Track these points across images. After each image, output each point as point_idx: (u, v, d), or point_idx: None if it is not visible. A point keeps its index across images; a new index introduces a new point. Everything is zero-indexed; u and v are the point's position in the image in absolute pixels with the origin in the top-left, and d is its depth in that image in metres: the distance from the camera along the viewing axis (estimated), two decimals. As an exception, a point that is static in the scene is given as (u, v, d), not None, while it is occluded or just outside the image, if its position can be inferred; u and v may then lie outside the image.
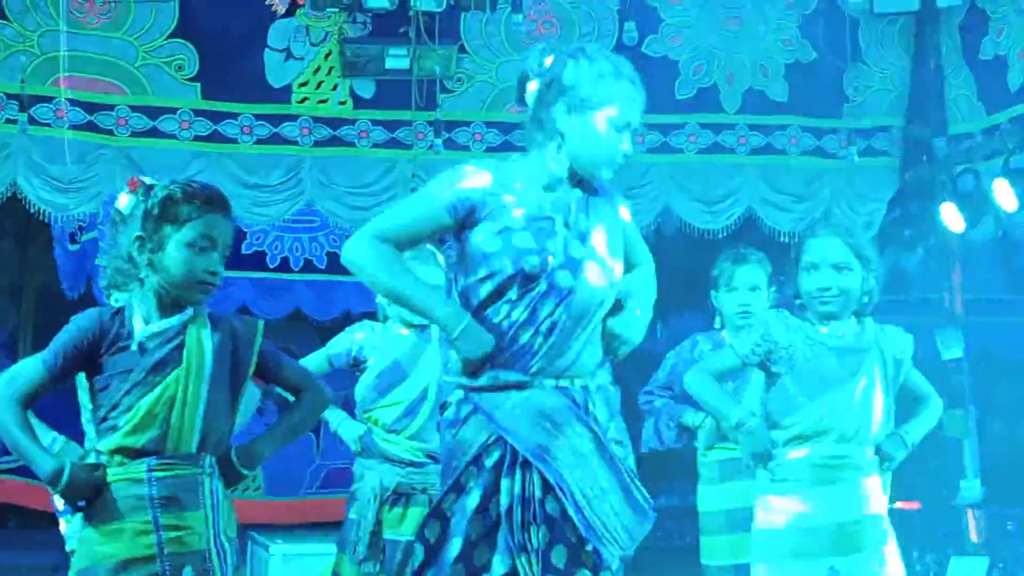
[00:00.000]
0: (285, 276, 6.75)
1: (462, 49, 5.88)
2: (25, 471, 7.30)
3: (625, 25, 5.93)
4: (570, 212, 2.23)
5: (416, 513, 3.38)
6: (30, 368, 2.05)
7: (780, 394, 2.80)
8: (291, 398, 2.28)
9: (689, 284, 4.25)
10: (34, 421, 2.16)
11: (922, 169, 6.45)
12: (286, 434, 2.23)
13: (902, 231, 6.25)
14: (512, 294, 2.12)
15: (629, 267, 2.29)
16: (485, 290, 2.12)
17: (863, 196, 6.28)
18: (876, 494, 2.80)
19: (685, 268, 4.75)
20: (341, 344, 3.65)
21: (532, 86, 2.23)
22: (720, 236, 6.03)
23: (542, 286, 2.12)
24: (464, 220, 2.13)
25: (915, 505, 5.74)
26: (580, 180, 2.22)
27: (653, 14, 6.06)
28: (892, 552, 2.78)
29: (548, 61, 2.22)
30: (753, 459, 2.80)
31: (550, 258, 2.15)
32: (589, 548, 2.14)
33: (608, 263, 2.22)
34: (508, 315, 2.13)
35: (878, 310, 2.87)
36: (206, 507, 2.03)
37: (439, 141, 5.81)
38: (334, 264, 6.65)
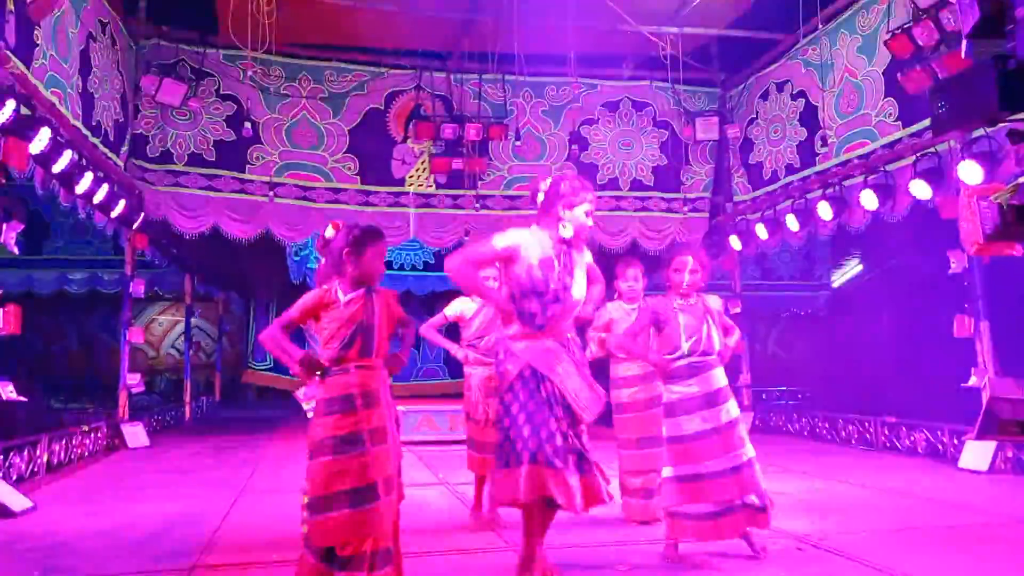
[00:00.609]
0: (400, 272, 11.61)
1: (490, 159, 10.40)
2: (276, 369, 12.56)
3: (571, 147, 10.61)
4: (562, 257, 3.65)
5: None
6: (287, 314, 3.33)
7: (666, 336, 4.18)
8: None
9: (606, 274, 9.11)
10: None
11: (720, 219, 11.05)
12: (406, 347, 3.29)
13: (711, 250, 10.47)
14: (533, 299, 3.55)
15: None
16: (519, 293, 3.57)
17: (690, 232, 10.85)
18: (721, 376, 4.17)
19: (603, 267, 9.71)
20: (451, 308, 5.34)
21: (540, 196, 3.73)
22: (619, 251, 10.38)
23: (548, 296, 3.56)
24: (508, 257, 3.60)
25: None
26: (565, 240, 3.66)
27: (586, 141, 10.73)
28: (733, 406, 4.15)
29: (547, 183, 3.75)
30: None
31: (551, 283, 3.57)
32: (580, 416, 3.57)
33: (580, 285, 3.66)
34: (529, 307, 3.57)
35: (706, 288, 4.38)
36: (382, 393, 3.20)
37: (479, 205, 10.39)
38: (426, 267, 11.48)
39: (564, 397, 3.55)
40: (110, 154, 8.72)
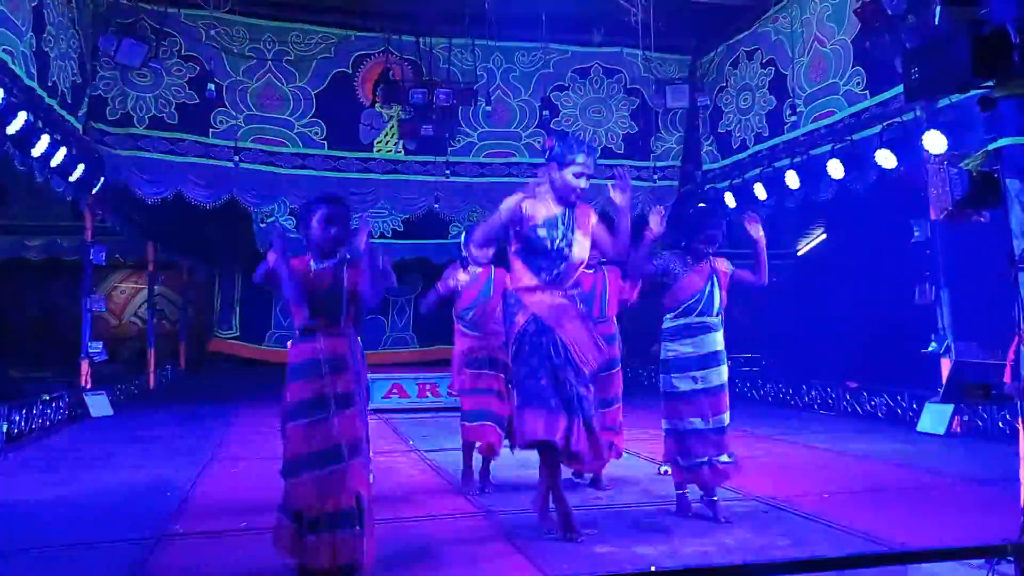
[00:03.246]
0: (369, 240, 11.45)
1: (460, 125, 10.24)
2: (243, 337, 12.41)
3: (542, 113, 10.52)
4: (565, 216, 3.72)
5: (483, 360, 4.91)
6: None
7: (673, 292, 4.26)
8: None
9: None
10: None
11: (689, 187, 11.11)
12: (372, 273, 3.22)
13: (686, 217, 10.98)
14: (540, 257, 3.71)
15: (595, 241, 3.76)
16: (527, 251, 3.72)
17: (660, 201, 10.64)
18: (720, 340, 4.23)
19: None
20: (446, 277, 5.17)
21: (546, 155, 3.77)
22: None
23: (552, 254, 3.69)
24: (515, 219, 3.70)
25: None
26: (567, 200, 3.72)
27: (556, 108, 10.64)
28: (724, 371, 4.22)
29: (549, 142, 3.78)
30: None
31: (557, 240, 3.68)
32: (584, 366, 3.72)
33: (583, 243, 3.73)
34: (537, 263, 3.72)
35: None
36: (350, 359, 3.23)
37: (448, 172, 10.26)
38: (395, 235, 11.38)
39: (568, 348, 3.68)
40: (68, 116, 8.44)
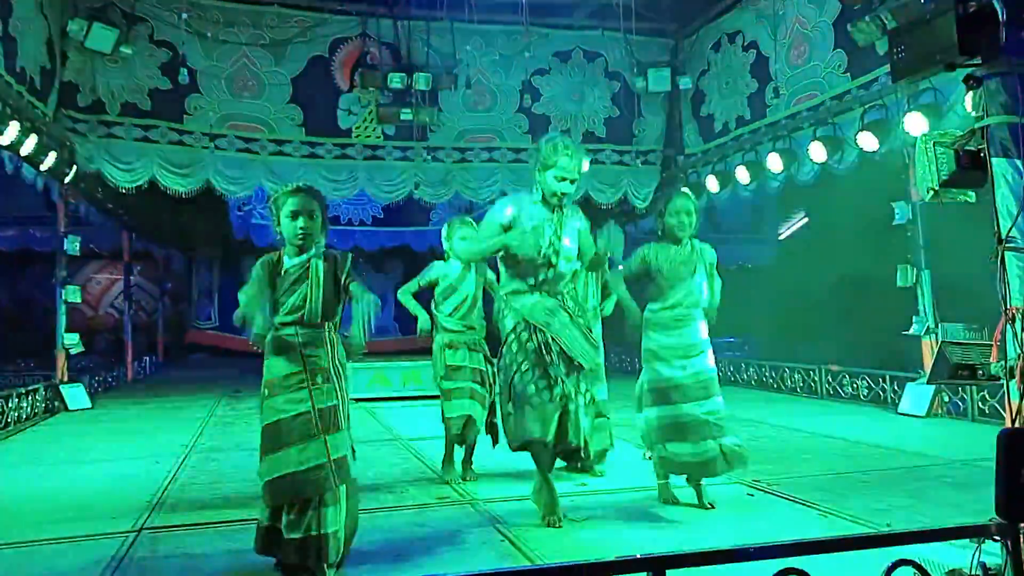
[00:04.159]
0: (348, 228, 11.33)
1: (439, 109, 10.06)
2: (222, 328, 12.26)
3: (524, 97, 10.42)
4: (552, 221, 3.69)
5: (463, 353, 4.89)
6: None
7: (657, 284, 4.18)
8: None
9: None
10: None
11: (671, 171, 11.06)
12: (363, 326, 3.15)
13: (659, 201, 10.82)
14: (528, 263, 3.68)
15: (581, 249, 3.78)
16: (517, 260, 3.69)
17: (642, 184, 10.86)
18: (704, 330, 4.19)
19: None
20: (426, 275, 5.06)
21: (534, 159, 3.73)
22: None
23: (540, 260, 3.68)
24: (506, 227, 3.69)
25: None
26: (554, 204, 3.69)
27: (537, 91, 10.51)
28: (710, 356, 4.19)
29: (540, 146, 3.70)
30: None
31: (544, 247, 3.66)
32: (575, 364, 3.70)
33: (572, 249, 3.74)
34: (524, 268, 3.69)
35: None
36: (327, 346, 3.21)
37: (428, 157, 10.12)
38: (375, 222, 11.29)
39: (560, 348, 3.67)
40: (37, 103, 8.24)
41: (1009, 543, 2.23)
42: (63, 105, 8.95)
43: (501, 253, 3.78)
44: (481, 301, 5.03)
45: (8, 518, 4.24)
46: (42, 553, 3.64)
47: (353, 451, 3.27)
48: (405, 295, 5.11)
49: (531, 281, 3.74)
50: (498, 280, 3.99)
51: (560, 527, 3.75)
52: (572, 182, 3.70)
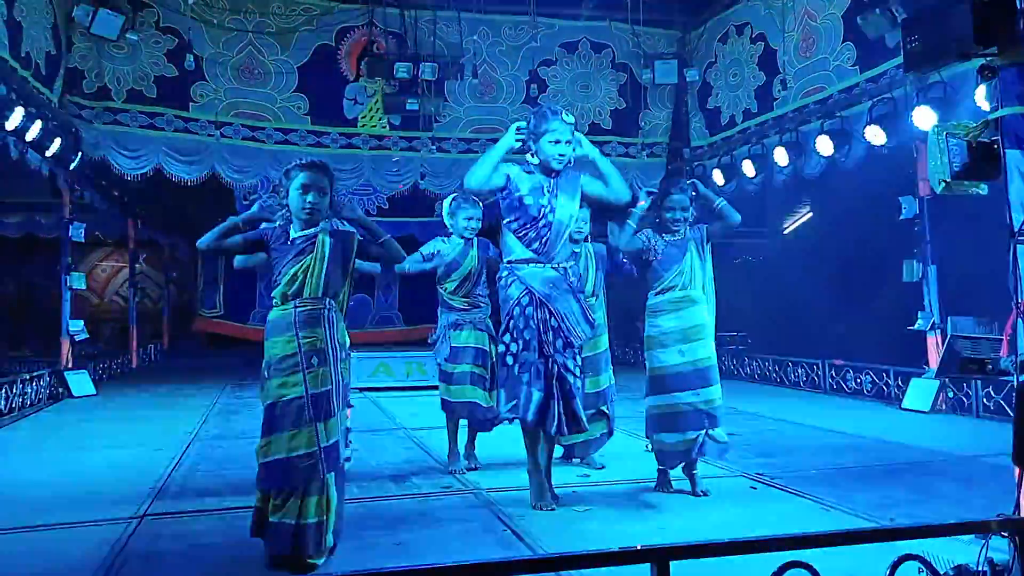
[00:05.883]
0: None
1: (446, 99, 9.98)
2: (227, 315, 12.20)
3: (530, 88, 10.34)
4: (550, 184, 3.84)
5: (468, 333, 4.86)
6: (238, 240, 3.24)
7: (653, 270, 4.24)
8: None
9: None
10: None
11: (677, 164, 10.99)
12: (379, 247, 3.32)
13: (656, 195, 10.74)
14: (528, 226, 3.80)
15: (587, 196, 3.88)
16: (517, 222, 3.82)
17: (648, 176, 10.62)
18: (704, 313, 4.23)
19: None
20: (428, 246, 5.02)
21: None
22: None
23: (540, 220, 3.80)
24: (506, 186, 3.82)
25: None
26: (549, 169, 3.82)
27: (544, 83, 10.45)
28: (711, 344, 4.20)
29: (530, 120, 3.82)
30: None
31: (543, 207, 3.80)
32: (571, 340, 3.82)
33: (568, 208, 3.83)
34: (527, 233, 3.81)
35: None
36: (325, 324, 3.13)
37: (434, 148, 10.07)
38: (380, 213, 11.22)
39: (557, 323, 3.79)
40: (43, 89, 8.22)
41: (1017, 539, 2.20)
42: (69, 91, 8.94)
43: (505, 219, 3.88)
44: (484, 278, 4.97)
45: (11, 504, 4.24)
46: (45, 539, 3.63)
47: (348, 431, 3.27)
48: (412, 262, 4.93)
49: (536, 247, 3.82)
50: (501, 258, 4.07)
51: (553, 511, 3.82)
52: (567, 143, 3.81)
